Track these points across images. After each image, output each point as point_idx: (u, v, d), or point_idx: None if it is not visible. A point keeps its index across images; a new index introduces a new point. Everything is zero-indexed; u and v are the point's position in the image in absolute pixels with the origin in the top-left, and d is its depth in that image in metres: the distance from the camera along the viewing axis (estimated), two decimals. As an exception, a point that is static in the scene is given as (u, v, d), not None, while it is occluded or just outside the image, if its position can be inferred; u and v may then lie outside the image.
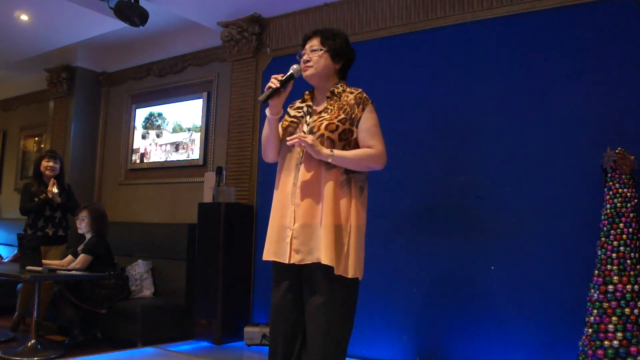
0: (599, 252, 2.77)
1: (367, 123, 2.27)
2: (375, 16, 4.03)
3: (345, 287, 2.21)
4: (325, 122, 2.24)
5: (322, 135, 2.22)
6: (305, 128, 2.29)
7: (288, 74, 2.28)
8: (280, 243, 2.24)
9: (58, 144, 5.94)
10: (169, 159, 5.42)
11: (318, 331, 2.17)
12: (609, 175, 2.83)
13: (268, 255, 2.28)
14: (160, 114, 5.55)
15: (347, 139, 2.25)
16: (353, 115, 2.26)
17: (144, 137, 5.67)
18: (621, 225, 2.72)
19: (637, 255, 2.68)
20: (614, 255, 2.70)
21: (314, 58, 2.32)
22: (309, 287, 2.21)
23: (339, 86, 2.35)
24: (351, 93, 2.31)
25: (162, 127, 5.51)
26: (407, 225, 3.69)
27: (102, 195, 5.98)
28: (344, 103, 2.29)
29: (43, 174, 4.62)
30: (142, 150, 5.67)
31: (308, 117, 2.33)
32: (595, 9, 3.18)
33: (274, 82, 2.23)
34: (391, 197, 3.76)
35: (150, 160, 5.58)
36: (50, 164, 4.62)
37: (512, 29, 3.44)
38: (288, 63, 2.41)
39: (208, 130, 5.13)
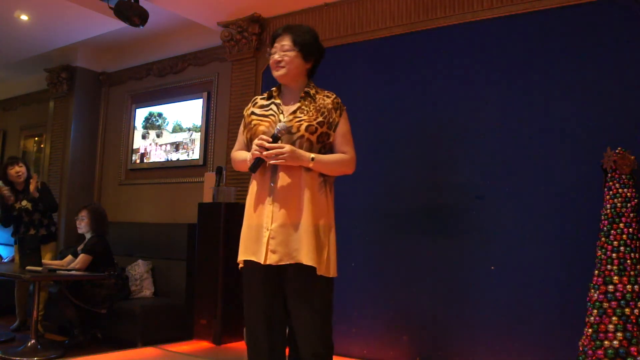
0: (599, 252, 2.76)
1: (343, 129, 2.33)
2: (375, 16, 4.03)
3: (326, 286, 2.24)
4: (305, 124, 2.24)
5: (302, 136, 2.23)
6: (280, 126, 2.24)
7: (273, 134, 2.20)
8: (257, 243, 2.21)
9: (58, 144, 5.95)
10: (169, 159, 5.42)
11: (306, 332, 2.20)
12: (609, 175, 2.83)
13: (246, 254, 2.24)
14: (160, 114, 5.55)
15: (323, 142, 2.28)
16: (331, 120, 2.30)
17: (144, 137, 5.67)
18: (621, 225, 2.72)
19: (637, 255, 2.68)
20: (614, 255, 2.69)
21: (285, 58, 2.30)
22: (291, 288, 2.22)
23: (311, 87, 2.36)
24: (327, 97, 2.35)
25: (162, 127, 5.51)
26: (406, 226, 3.69)
27: (102, 195, 5.98)
28: (320, 106, 2.30)
29: (14, 182, 4.63)
30: (142, 150, 5.67)
31: (281, 115, 2.30)
32: (595, 9, 3.18)
33: (260, 151, 2.17)
34: (391, 198, 3.76)
35: (150, 160, 5.58)
36: (16, 169, 4.62)
37: (512, 29, 3.44)
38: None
39: (208, 130, 5.13)
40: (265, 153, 2.16)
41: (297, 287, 2.21)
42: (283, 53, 2.30)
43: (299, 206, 2.19)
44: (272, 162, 2.18)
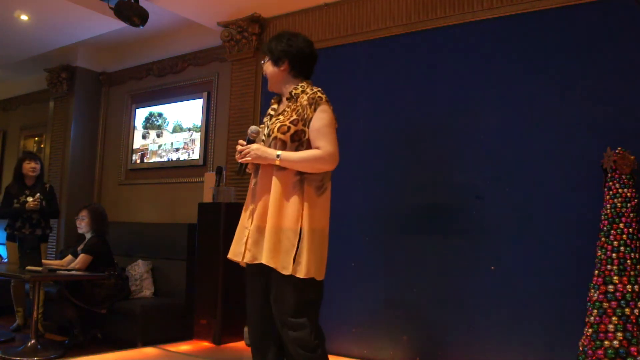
0: (599, 252, 2.76)
1: (317, 123, 2.26)
2: (375, 16, 4.03)
3: (301, 287, 2.19)
4: (278, 124, 2.27)
5: (275, 137, 2.26)
6: (266, 131, 2.34)
7: (247, 138, 2.32)
8: (239, 242, 2.31)
9: (58, 144, 5.95)
10: (169, 159, 5.42)
11: (280, 326, 2.23)
12: (609, 175, 2.83)
13: (229, 254, 2.36)
14: (160, 114, 5.55)
15: (299, 140, 2.26)
16: (305, 116, 2.26)
17: (144, 137, 5.67)
18: (621, 225, 2.72)
19: (637, 255, 2.68)
20: (614, 255, 2.69)
21: (264, 70, 2.42)
22: (270, 285, 2.26)
23: (298, 87, 2.35)
24: (305, 94, 2.31)
25: (162, 127, 5.51)
26: (406, 226, 3.69)
27: (102, 195, 5.98)
28: (298, 104, 2.30)
29: (26, 175, 4.69)
30: (142, 151, 5.67)
31: (268, 120, 2.38)
32: (595, 9, 3.18)
33: (238, 157, 2.31)
34: (391, 197, 3.76)
35: (150, 160, 5.58)
36: (32, 165, 4.71)
37: (512, 29, 3.44)
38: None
39: (208, 130, 5.13)
40: (237, 155, 2.30)
41: (272, 288, 2.24)
42: (263, 68, 2.43)
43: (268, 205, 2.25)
44: (240, 160, 2.30)
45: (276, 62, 2.36)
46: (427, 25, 3.78)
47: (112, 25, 4.84)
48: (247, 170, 2.39)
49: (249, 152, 2.25)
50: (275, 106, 2.43)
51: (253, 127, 2.33)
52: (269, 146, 2.26)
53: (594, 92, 3.13)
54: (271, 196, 2.21)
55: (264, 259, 2.17)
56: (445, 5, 3.70)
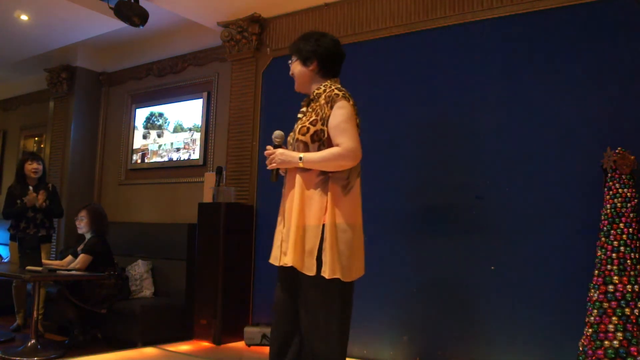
0: (599, 252, 2.76)
1: (335, 120, 2.24)
2: (375, 16, 4.03)
3: (323, 287, 2.17)
4: (299, 126, 2.29)
5: (297, 139, 2.27)
6: (292, 135, 2.36)
7: (274, 145, 2.35)
8: (276, 246, 2.32)
9: (58, 144, 5.95)
10: (169, 159, 5.42)
11: (304, 330, 2.22)
12: (609, 175, 2.83)
13: (270, 258, 2.36)
14: (161, 114, 5.55)
15: (320, 140, 2.25)
16: (324, 115, 2.25)
17: (145, 137, 5.67)
18: (621, 225, 2.72)
19: (637, 255, 2.68)
20: (614, 255, 2.69)
21: (292, 70, 2.41)
22: (299, 288, 2.25)
23: (320, 87, 2.35)
24: (324, 92, 2.31)
25: (163, 127, 5.51)
26: (407, 225, 3.69)
27: (102, 195, 5.98)
28: (318, 104, 2.30)
29: (28, 176, 4.67)
30: (142, 150, 5.67)
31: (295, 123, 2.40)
32: (595, 9, 3.18)
33: (268, 162, 2.34)
34: (391, 197, 3.76)
35: (150, 160, 5.58)
36: (34, 165, 4.67)
37: (512, 29, 3.44)
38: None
39: (208, 130, 5.13)
40: (266, 161, 2.31)
41: (300, 290, 2.23)
42: (291, 68, 2.42)
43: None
44: (269, 167, 2.31)
45: (305, 62, 2.37)
46: (427, 25, 3.78)
47: (112, 25, 4.84)
48: (281, 174, 2.39)
49: (273, 158, 2.27)
50: (304, 109, 2.41)
51: (277, 132, 2.34)
52: (294, 149, 2.27)
53: (594, 92, 3.13)
54: (294, 197, 2.22)
55: (288, 259, 2.15)
56: (445, 5, 3.70)
